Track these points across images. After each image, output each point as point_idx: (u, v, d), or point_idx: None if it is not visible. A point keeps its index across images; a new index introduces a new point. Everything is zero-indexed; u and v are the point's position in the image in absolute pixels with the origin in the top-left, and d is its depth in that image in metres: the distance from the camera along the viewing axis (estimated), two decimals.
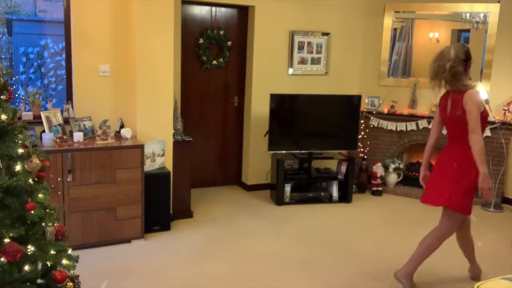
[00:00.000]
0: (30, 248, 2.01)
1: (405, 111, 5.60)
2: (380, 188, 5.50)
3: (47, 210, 2.15)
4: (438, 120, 3.25)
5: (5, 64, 7.80)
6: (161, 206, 4.06)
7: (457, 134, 3.10)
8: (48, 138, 3.56)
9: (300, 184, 5.24)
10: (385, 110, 5.66)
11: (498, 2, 5.17)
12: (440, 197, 3.15)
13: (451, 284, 3.39)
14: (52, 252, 2.11)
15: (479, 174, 2.95)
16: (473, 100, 2.94)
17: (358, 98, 5.20)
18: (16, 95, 4.53)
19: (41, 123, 3.74)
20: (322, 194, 5.16)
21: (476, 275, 3.45)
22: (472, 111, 2.93)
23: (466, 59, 3.05)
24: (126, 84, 4.16)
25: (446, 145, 3.21)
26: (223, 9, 5.23)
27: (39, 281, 2.10)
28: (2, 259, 1.88)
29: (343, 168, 5.20)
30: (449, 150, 3.16)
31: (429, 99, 5.56)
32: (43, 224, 2.11)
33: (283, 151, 5.10)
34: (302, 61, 5.50)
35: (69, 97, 4.12)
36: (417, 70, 5.85)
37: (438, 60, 3.03)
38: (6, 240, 1.92)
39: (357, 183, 5.55)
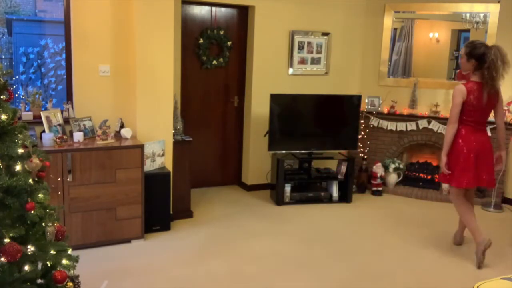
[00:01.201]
0: (30, 248, 2.01)
1: (405, 111, 5.60)
2: (380, 188, 5.50)
3: (47, 210, 2.15)
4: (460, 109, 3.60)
5: (5, 64, 7.80)
6: (161, 206, 4.06)
7: (484, 120, 3.68)
8: (48, 138, 3.56)
9: (300, 184, 5.23)
10: (385, 110, 5.66)
11: (498, 2, 5.17)
12: (493, 178, 3.78)
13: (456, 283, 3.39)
14: (52, 252, 2.10)
15: (503, 153, 3.76)
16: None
17: (358, 98, 5.20)
18: (16, 95, 4.53)
19: (41, 123, 3.74)
20: (322, 194, 5.16)
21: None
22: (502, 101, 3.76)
23: None
24: (126, 84, 4.16)
25: (471, 130, 3.63)
26: (223, 9, 5.23)
27: (39, 281, 2.10)
28: (2, 259, 1.88)
29: (343, 168, 5.20)
30: (481, 134, 3.67)
31: (429, 99, 5.56)
32: (43, 224, 2.11)
33: (283, 151, 5.10)
34: (302, 61, 5.50)
35: (69, 97, 4.12)
36: (417, 70, 5.85)
37: (501, 58, 3.48)
38: (6, 240, 1.91)
39: (357, 183, 5.55)
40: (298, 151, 5.15)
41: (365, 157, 5.66)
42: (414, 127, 5.52)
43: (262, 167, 5.44)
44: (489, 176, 3.69)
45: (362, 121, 5.62)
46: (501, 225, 4.66)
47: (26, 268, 1.98)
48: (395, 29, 5.81)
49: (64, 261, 2.18)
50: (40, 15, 8.81)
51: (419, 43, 5.81)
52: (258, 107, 5.32)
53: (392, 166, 5.55)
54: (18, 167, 2.04)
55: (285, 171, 5.01)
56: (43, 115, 3.74)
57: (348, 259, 3.71)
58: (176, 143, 4.31)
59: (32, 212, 2.02)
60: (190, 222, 4.37)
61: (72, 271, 2.24)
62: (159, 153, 4.15)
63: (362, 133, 5.65)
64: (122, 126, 4.08)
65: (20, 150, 2.06)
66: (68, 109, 3.99)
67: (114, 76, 4.15)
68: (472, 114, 3.59)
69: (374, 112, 5.66)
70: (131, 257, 3.59)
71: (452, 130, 3.61)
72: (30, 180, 2.05)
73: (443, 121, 5.39)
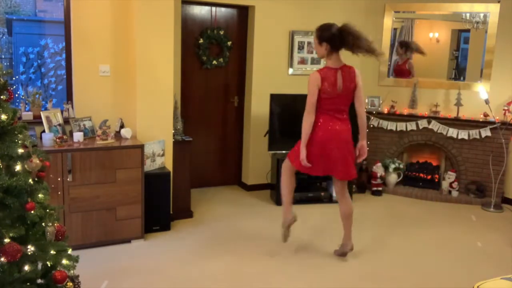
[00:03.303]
0: (30, 248, 2.01)
1: (405, 111, 5.60)
2: (380, 188, 5.50)
3: (47, 210, 2.15)
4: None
5: (5, 64, 7.81)
6: (161, 206, 4.06)
7: (343, 108, 3.48)
8: (48, 138, 3.56)
9: (300, 184, 5.22)
10: (385, 110, 5.66)
11: (498, 2, 5.17)
12: (352, 170, 3.53)
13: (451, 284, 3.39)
14: (52, 252, 2.11)
15: (364, 142, 3.54)
16: None
17: None
18: (16, 95, 4.54)
19: (41, 123, 3.74)
20: (322, 194, 5.15)
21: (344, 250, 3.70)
22: None
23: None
24: (126, 84, 4.16)
25: (328, 119, 3.44)
26: (223, 9, 5.23)
27: (39, 281, 2.10)
28: (2, 259, 1.88)
29: None
30: (339, 123, 3.45)
31: (429, 99, 5.57)
32: (43, 224, 2.11)
33: (283, 151, 5.10)
34: (302, 61, 5.50)
35: (69, 97, 4.12)
36: (417, 70, 5.85)
37: (352, 33, 3.38)
38: (6, 240, 1.92)
39: (357, 183, 5.54)
40: None
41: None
42: (414, 127, 5.52)
43: (262, 167, 5.43)
44: (346, 168, 3.47)
45: None
46: (501, 225, 4.66)
47: (26, 268, 1.99)
48: (395, 29, 5.81)
49: (64, 261, 2.18)
50: (40, 15, 8.82)
51: (419, 43, 5.81)
52: (258, 107, 5.32)
53: (392, 166, 5.55)
54: (18, 167, 2.04)
55: None
56: (43, 115, 3.74)
57: (348, 259, 3.71)
58: (176, 143, 4.31)
59: (32, 212, 2.03)
60: (190, 222, 4.37)
61: (72, 271, 2.24)
62: (159, 153, 4.15)
63: None
64: (122, 126, 4.08)
65: (20, 150, 2.06)
66: (68, 109, 3.99)
67: (114, 76, 4.15)
68: (328, 102, 3.39)
69: (374, 112, 5.66)
70: (131, 257, 3.59)
71: (309, 120, 3.40)
72: (30, 180, 2.05)
73: (443, 121, 5.40)
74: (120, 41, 4.11)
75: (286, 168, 3.72)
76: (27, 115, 3.87)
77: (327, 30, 3.36)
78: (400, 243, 4.08)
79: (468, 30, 5.51)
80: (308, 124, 3.41)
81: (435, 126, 5.42)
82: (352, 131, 3.55)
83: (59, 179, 3.47)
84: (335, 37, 3.34)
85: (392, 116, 5.63)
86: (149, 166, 4.05)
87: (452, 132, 5.35)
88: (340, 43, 3.37)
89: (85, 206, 3.60)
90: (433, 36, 5.86)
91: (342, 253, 3.70)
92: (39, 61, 7.97)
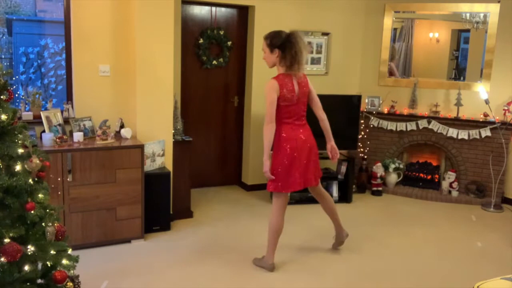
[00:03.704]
0: (30, 248, 2.01)
1: (405, 111, 5.60)
2: (380, 188, 5.50)
3: (47, 210, 2.15)
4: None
5: (5, 64, 7.80)
6: (161, 206, 4.06)
7: (303, 114, 3.44)
8: (48, 138, 3.56)
9: None
10: (385, 110, 5.66)
11: (498, 2, 5.17)
12: (319, 172, 3.63)
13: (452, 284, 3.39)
14: (52, 252, 2.10)
15: (333, 143, 3.63)
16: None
17: (358, 98, 5.20)
18: (16, 95, 4.53)
19: (41, 123, 3.74)
20: None
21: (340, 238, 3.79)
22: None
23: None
24: (126, 84, 4.16)
25: (292, 128, 3.36)
26: (223, 9, 5.23)
27: (39, 281, 2.10)
28: (2, 259, 1.88)
29: (343, 168, 5.20)
30: (302, 130, 3.42)
31: (429, 99, 5.57)
32: (43, 224, 2.11)
33: None
34: None
35: (69, 97, 4.12)
36: (417, 70, 5.85)
37: (301, 43, 3.26)
38: (6, 240, 1.92)
39: (357, 183, 5.54)
40: None
41: (365, 157, 5.66)
42: (414, 127, 5.52)
43: (262, 167, 5.41)
44: (317, 172, 3.55)
45: (362, 121, 5.62)
46: (501, 225, 4.66)
47: (26, 268, 1.99)
48: (395, 29, 5.81)
49: (64, 261, 2.18)
50: (40, 15, 8.81)
51: (419, 43, 5.82)
52: (258, 107, 5.32)
53: (392, 166, 5.55)
54: (18, 167, 2.04)
55: None
56: (43, 115, 3.74)
57: (348, 259, 3.71)
58: (176, 143, 4.31)
59: (32, 212, 2.03)
60: (190, 222, 4.37)
61: (72, 271, 2.24)
62: (159, 153, 4.15)
63: (362, 133, 5.65)
64: (122, 126, 4.08)
65: (20, 150, 2.06)
66: (68, 109, 3.99)
67: (114, 76, 4.15)
68: (288, 110, 3.30)
69: (374, 112, 5.66)
70: (131, 257, 3.59)
71: (271, 130, 3.24)
72: (30, 180, 2.05)
73: (443, 121, 5.40)
74: (120, 41, 4.11)
75: (279, 205, 3.43)
76: (27, 115, 3.87)
77: (278, 36, 3.26)
78: (400, 243, 4.08)
79: (468, 30, 5.51)
80: (271, 135, 3.25)
81: (435, 126, 5.42)
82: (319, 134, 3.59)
83: (59, 179, 3.47)
84: (286, 43, 3.24)
85: (392, 116, 5.63)
86: (149, 166, 4.05)
87: (452, 132, 5.35)
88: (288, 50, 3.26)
89: (85, 206, 3.60)
90: (433, 36, 5.86)
91: (339, 243, 3.79)
92: (39, 61, 7.97)
